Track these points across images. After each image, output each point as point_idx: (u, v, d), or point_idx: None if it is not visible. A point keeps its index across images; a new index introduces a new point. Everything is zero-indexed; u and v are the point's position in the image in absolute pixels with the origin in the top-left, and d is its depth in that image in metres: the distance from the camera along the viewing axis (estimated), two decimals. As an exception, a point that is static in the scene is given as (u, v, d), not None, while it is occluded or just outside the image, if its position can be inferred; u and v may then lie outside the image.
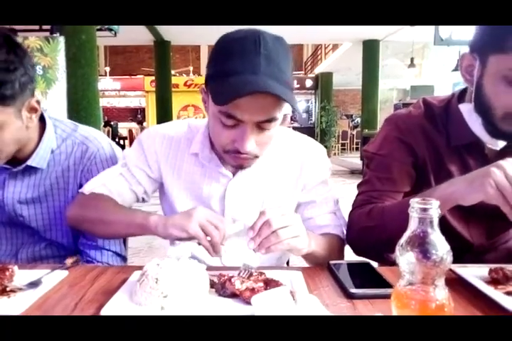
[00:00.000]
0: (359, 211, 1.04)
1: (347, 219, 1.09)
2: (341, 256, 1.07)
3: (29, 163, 1.10)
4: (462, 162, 1.04)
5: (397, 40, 10.43)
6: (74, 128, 1.19)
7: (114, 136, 15.23)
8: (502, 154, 1.01)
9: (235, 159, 0.93)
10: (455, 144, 1.03)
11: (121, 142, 15.04)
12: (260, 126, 0.88)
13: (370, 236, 0.99)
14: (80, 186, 1.12)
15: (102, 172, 1.10)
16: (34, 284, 0.79)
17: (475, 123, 1.00)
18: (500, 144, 1.01)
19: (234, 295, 0.73)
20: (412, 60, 11.56)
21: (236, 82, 0.81)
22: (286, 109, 0.92)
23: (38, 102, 1.02)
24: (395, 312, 0.51)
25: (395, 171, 1.05)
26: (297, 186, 1.08)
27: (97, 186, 1.05)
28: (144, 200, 1.12)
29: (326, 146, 13.15)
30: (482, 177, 0.79)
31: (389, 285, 0.77)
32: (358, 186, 1.12)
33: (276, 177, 1.06)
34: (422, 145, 1.05)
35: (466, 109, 1.02)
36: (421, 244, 0.48)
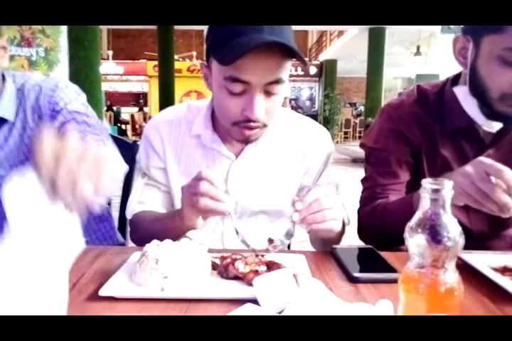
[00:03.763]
0: (365, 209, 1.08)
1: (355, 214, 1.10)
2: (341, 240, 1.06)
3: None
4: (457, 147, 1.04)
5: (404, 27, 10.26)
6: (29, 76, 1.16)
7: (116, 120, 15.16)
8: (498, 137, 1.01)
9: (243, 131, 0.90)
10: (450, 129, 1.03)
11: (123, 127, 14.96)
12: (267, 91, 0.86)
13: (378, 233, 1.02)
14: None
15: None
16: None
17: (470, 106, 1.00)
18: (496, 126, 1.00)
19: (237, 278, 0.72)
20: (418, 48, 11.44)
21: (241, 41, 0.80)
22: (285, 91, 0.90)
23: (7, 41, 1.02)
24: (401, 296, 0.50)
25: (394, 164, 1.07)
26: (300, 169, 1.06)
27: (134, 206, 1.05)
28: None
29: (328, 134, 13.06)
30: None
31: (393, 270, 0.76)
32: (362, 182, 1.14)
33: (279, 159, 1.05)
34: (415, 133, 1.05)
35: (462, 92, 1.02)
36: (432, 226, 0.46)
